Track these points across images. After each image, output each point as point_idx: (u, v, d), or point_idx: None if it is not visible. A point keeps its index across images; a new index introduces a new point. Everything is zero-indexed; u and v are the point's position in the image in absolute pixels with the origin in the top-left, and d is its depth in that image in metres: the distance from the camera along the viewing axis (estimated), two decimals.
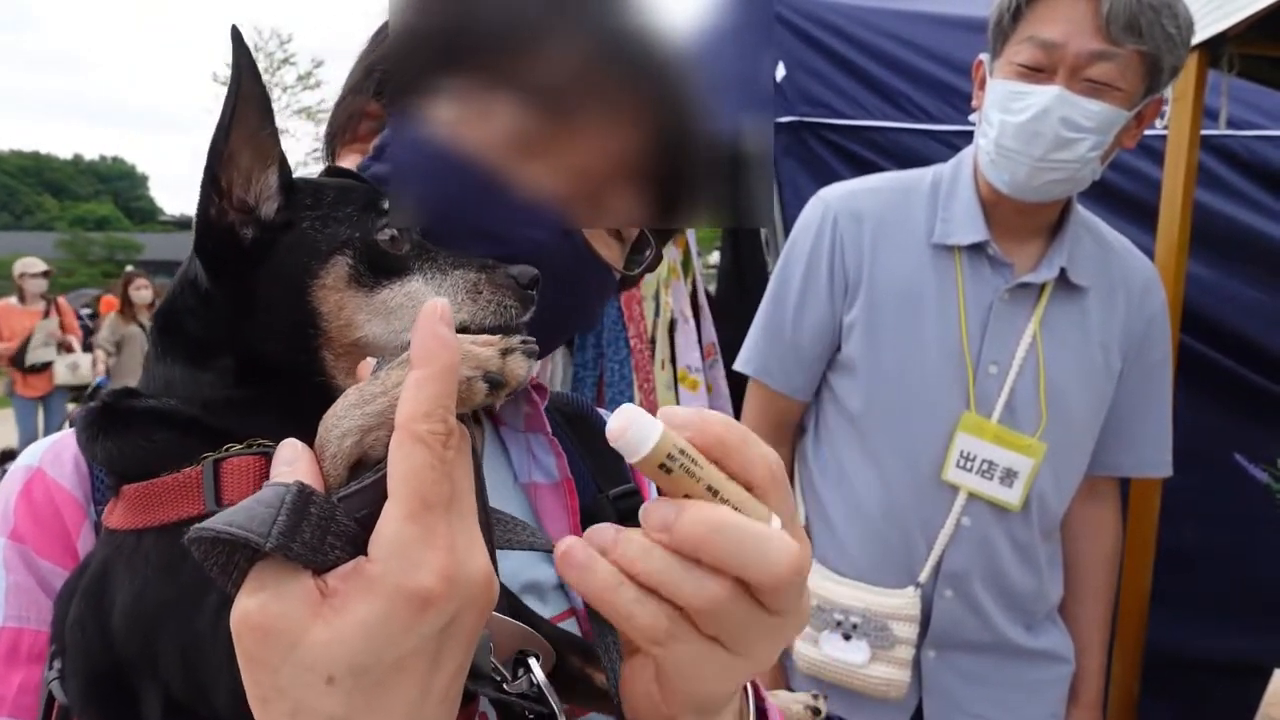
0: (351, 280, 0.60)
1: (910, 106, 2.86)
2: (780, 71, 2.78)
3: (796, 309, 1.85)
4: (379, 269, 0.61)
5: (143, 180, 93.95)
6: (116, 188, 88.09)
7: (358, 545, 0.45)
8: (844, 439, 1.84)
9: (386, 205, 0.64)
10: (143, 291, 8.94)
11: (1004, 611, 1.79)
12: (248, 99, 0.59)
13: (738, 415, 3.09)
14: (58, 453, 0.73)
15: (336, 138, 0.82)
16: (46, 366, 8.81)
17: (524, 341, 0.52)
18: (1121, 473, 1.93)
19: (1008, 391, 1.73)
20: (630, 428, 0.46)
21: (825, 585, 1.80)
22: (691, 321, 2.99)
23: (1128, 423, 1.84)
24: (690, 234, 3.04)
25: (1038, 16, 1.59)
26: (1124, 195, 2.62)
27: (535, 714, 0.62)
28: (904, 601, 1.72)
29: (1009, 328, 1.74)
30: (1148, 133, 1.76)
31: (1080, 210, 1.81)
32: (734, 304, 3.09)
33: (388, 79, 0.77)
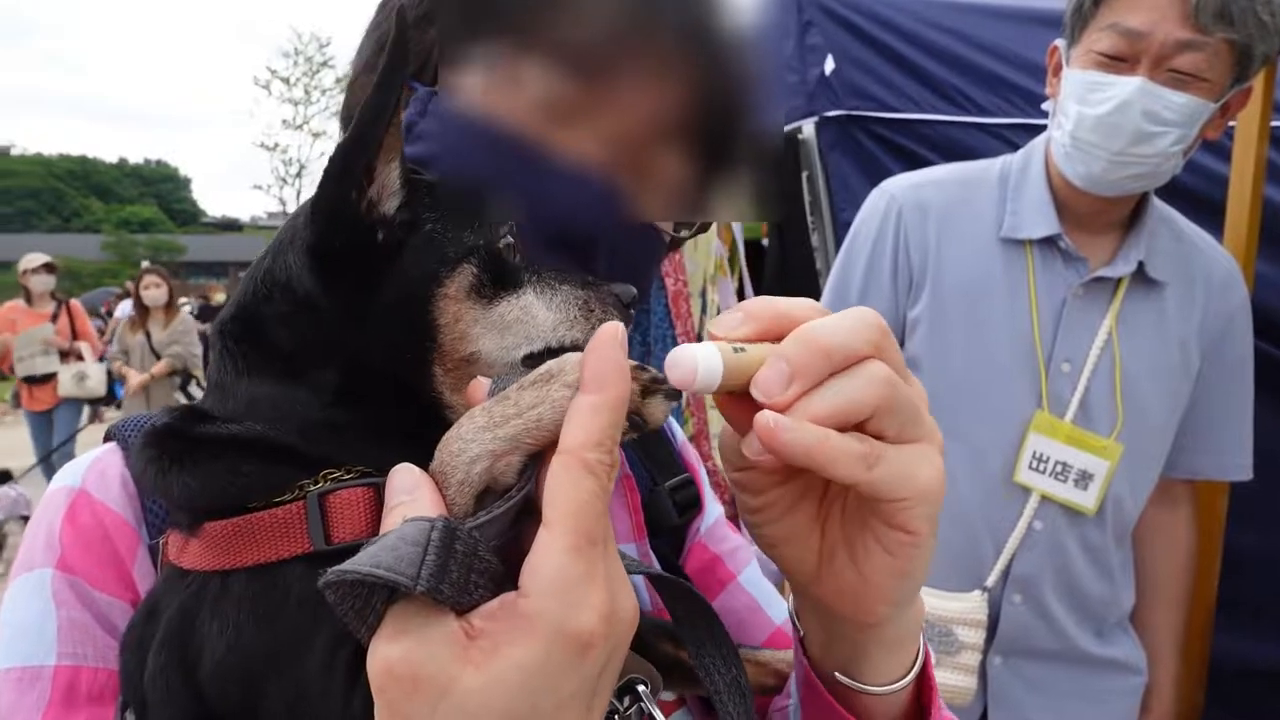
0: (473, 291, 0.55)
1: (961, 99, 2.79)
2: (829, 65, 2.73)
3: (858, 304, 1.79)
4: (498, 280, 0.56)
5: (185, 183, 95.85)
6: (160, 190, 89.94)
7: (498, 581, 0.41)
8: None
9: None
10: (154, 291, 7.49)
11: (1074, 618, 1.72)
12: (394, 85, 0.52)
13: None
14: (101, 471, 0.67)
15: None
16: (50, 378, 7.57)
17: (663, 382, 0.48)
18: (1200, 475, 1.84)
19: (1082, 390, 1.66)
20: (697, 369, 0.45)
21: None
22: None
23: (1206, 423, 1.76)
24: (737, 230, 2.99)
25: (1121, 2, 1.50)
26: (1189, 192, 2.52)
27: None
28: (970, 605, 1.66)
29: (1083, 324, 1.67)
30: (1215, 139, 1.67)
31: (1158, 203, 1.73)
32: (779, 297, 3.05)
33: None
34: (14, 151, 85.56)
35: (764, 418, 0.46)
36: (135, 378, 7.37)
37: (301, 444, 0.52)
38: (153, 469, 0.54)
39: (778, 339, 0.49)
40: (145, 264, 8.17)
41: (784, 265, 3.03)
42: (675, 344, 2.77)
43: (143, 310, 7.61)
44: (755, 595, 0.90)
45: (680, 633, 0.60)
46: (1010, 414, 1.68)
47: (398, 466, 0.45)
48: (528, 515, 0.44)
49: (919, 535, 0.51)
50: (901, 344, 1.78)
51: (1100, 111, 1.54)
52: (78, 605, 0.62)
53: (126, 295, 15.16)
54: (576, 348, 0.53)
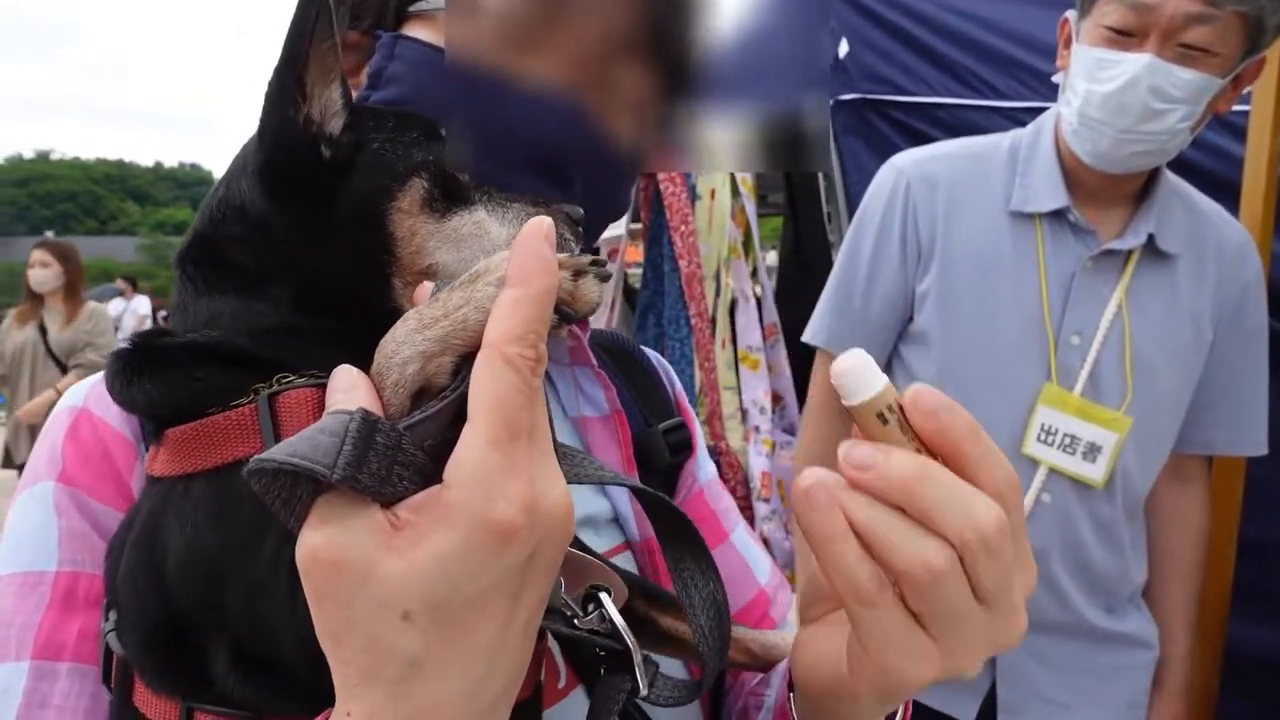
0: (425, 205, 0.57)
1: (976, 82, 2.77)
2: (843, 48, 2.72)
3: (867, 278, 1.80)
4: (450, 196, 0.58)
5: None
6: (195, 194, 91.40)
7: (426, 476, 0.42)
8: None
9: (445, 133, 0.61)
10: (39, 272, 5.55)
11: (1084, 592, 1.71)
12: (323, 6, 0.54)
13: (800, 395, 3.05)
14: (103, 391, 0.69)
15: None
16: None
17: (594, 262, 0.48)
18: (1213, 450, 1.83)
19: (1091, 363, 1.65)
20: (860, 368, 0.46)
21: None
22: (752, 301, 2.95)
23: (1220, 397, 1.74)
24: (751, 213, 3.00)
25: None
26: (1203, 172, 2.49)
27: (606, 650, 0.59)
28: None
29: (1092, 297, 1.67)
30: (1225, 112, 1.65)
31: (1169, 175, 1.72)
32: (795, 285, 3.04)
33: (363, 3, 0.72)
34: (53, 156, 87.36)
35: (811, 482, 0.47)
36: (29, 401, 5.42)
37: (257, 349, 0.54)
38: (118, 381, 0.57)
39: (927, 443, 0.48)
40: (40, 240, 6.04)
41: (799, 249, 3.03)
42: (689, 326, 2.78)
43: (33, 298, 5.63)
44: (745, 556, 0.92)
45: (660, 545, 0.62)
46: (1019, 386, 1.67)
47: (338, 368, 0.46)
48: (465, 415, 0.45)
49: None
50: (910, 318, 1.78)
51: (1108, 89, 1.53)
52: (77, 515, 0.65)
53: (121, 294, 14.75)
54: None
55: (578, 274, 0.48)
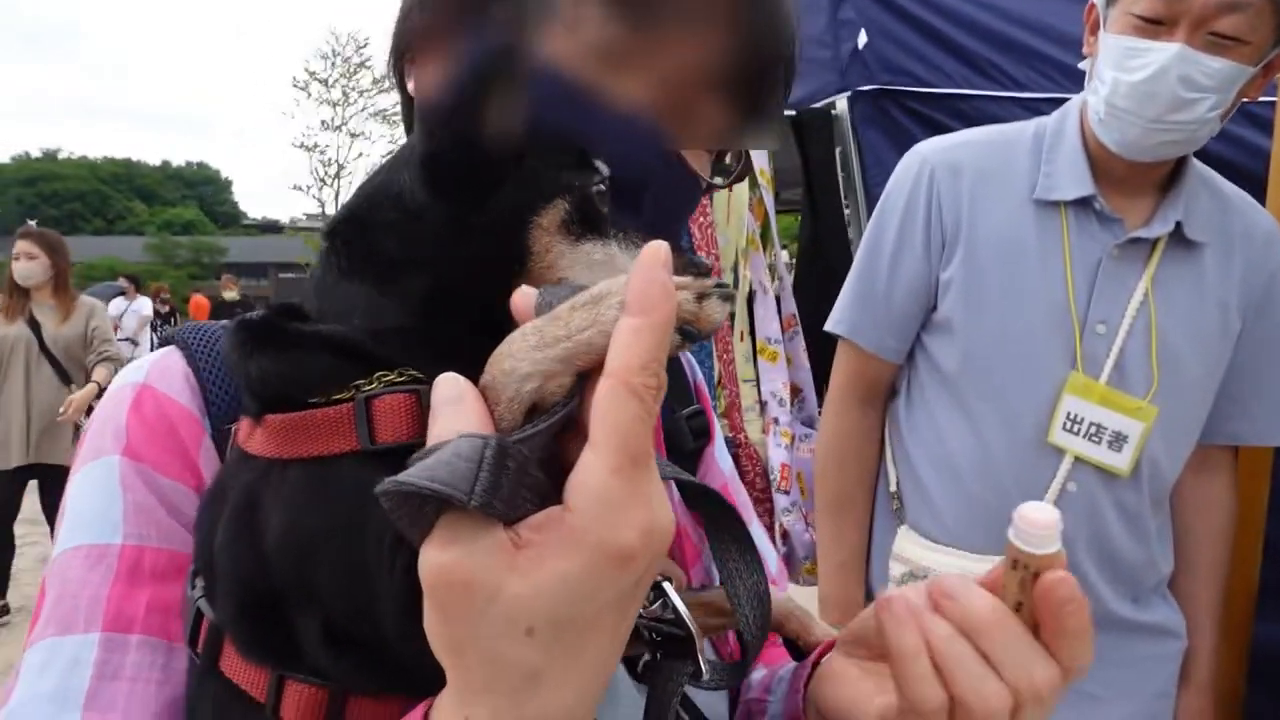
0: (563, 226, 0.59)
1: (996, 74, 2.76)
2: (862, 39, 2.72)
3: (890, 266, 1.79)
4: (587, 223, 0.60)
5: (226, 185, 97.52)
6: (202, 193, 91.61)
7: (543, 496, 0.43)
8: (939, 401, 1.77)
9: (597, 163, 0.62)
10: (25, 265, 5.10)
11: (1110, 583, 1.70)
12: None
13: (820, 386, 3.04)
14: (164, 368, 0.71)
15: (404, 57, 0.77)
16: None
17: (719, 285, 0.49)
18: (1240, 440, 1.81)
19: (1117, 352, 1.64)
20: (1053, 528, 0.51)
21: (918, 552, 1.74)
22: (771, 293, 2.95)
23: (1248, 387, 1.73)
24: (769, 205, 2.99)
25: None
26: (1227, 164, 2.48)
27: (665, 636, 0.60)
28: None
29: (1119, 285, 1.66)
30: (1254, 100, 1.64)
31: (1197, 163, 1.71)
32: (813, 277, 3.04)
33: None
34: (61, 156, 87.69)
35: (893, 597, 0.57)
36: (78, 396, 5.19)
37: (375, 348, 0.55)
38: (238, 352, 0.58)
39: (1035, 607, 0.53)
40: (30, 223, 5.54)
41: (817, 241, 3.02)
42: None
43: (19, 292, 5.17)
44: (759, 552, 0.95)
45: (707, 536, 0.63)
46: (1044, 375, 1.66)
47: (443, 375, 0.47)
48: (569, 428, 0.46)
49: None
50: (934, 307, 1.77)
51: (1136, 79, 1.52)
52: (144, 490, 0.65)
53: (124, 293, 14.91)
54: None
55: (701, 296, 0.48)
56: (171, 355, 0.72)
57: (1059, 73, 2.68)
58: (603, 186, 0.61)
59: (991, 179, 1.73)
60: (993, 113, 2.70)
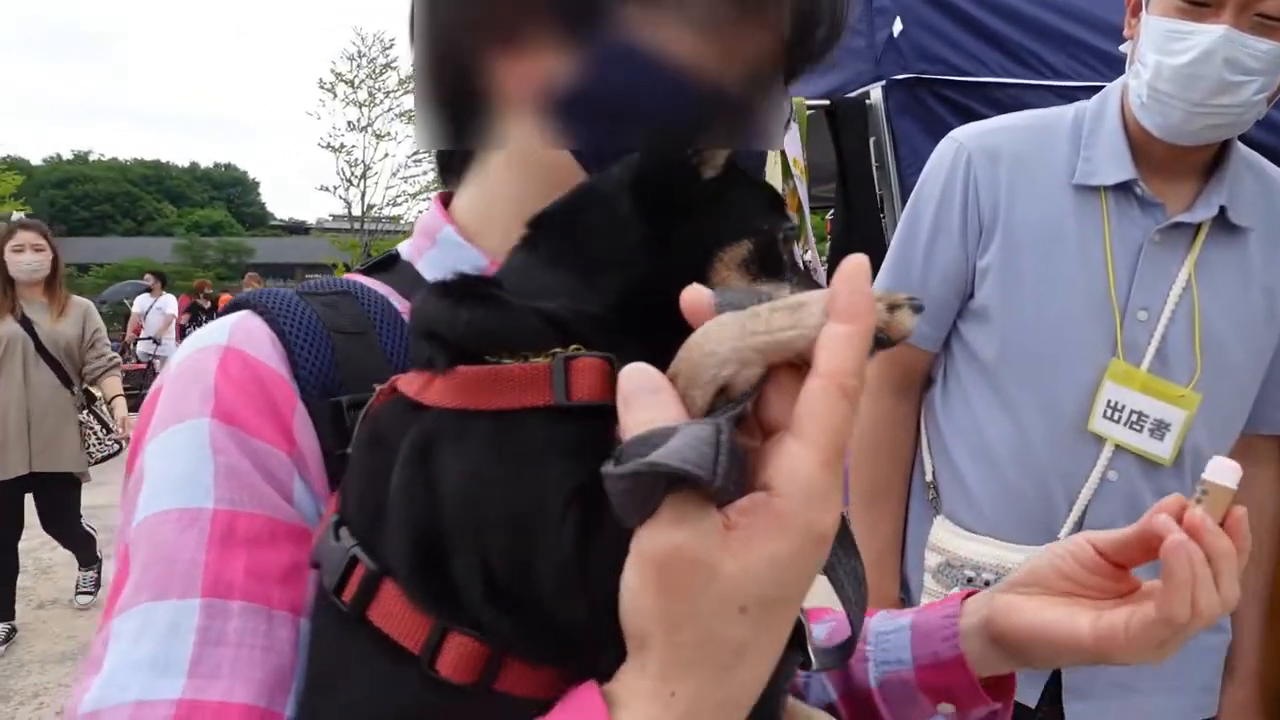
0: (743, 265, 0.61)
1: (1033, 61, 2.74)
2: (896, 27, 2.71)
3: (926, 253, 1.78)
4: (765, 266, 0.62)
5: (254, 186, 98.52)
6: (230, 194, 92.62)
7: (745, 478, 0.46)
8: (976, 389, 1.75)
9: (789, 212, 0.66)
10: (29, 257, 4.78)
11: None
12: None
13: None
14: (248, 330, 0.68)
15: (479, 43, 0.72)
16: None
17: (910, 298, 0.51)
18: None
19: (1158, 339, 1.62)
20: (1238, 472, 0.76)
21: (955, 542, 1.72)
22: None
23: None
24: (804, 196, 2.98)
25: None
26: (1269, 150, 2.44)
27: None
28: None
29: (1160, 271, 1.63)
30: None
31: (1241, 147, 1.68)
32: None
33: None
34: (92, 158, 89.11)
35: (1177, 536, 0.76)
36: (120, 406, 5.29)
37: (574, 323, 0.58)
38: (443, 301, 0.59)
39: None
40: (18, 216, 5.39)
41: (850, 231, 3.01)
42: None
43: (8, 285, 4.78)
44: None
45: None
46: (1084, 362, 1.64)
47: (632, 365, 0.49)
48: (743, 418, 0.49)
49: None
50: (971, 294, 1.76)
51: (1180, 62, 1.50)
52: (237, 453, 0.63)
53: (149, 290, 14.39)
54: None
55: (893, 307, 0.50)
56: (252, 319, 0.69)
57: (1098, 60, 2.66)
58: (790, 233, 0.64)
59: (1030, 164, 1.71)
60: (1029, 101, 2.67)
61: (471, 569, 0.53)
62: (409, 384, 0.60)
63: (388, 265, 0.82)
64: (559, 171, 0.70)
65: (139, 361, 14.21)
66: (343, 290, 0.75)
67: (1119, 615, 0.75)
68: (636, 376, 0.48)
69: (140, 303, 14.78)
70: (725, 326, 0.49)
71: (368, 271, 0.82)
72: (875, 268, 1.90)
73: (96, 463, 5.25)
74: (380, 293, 0.76)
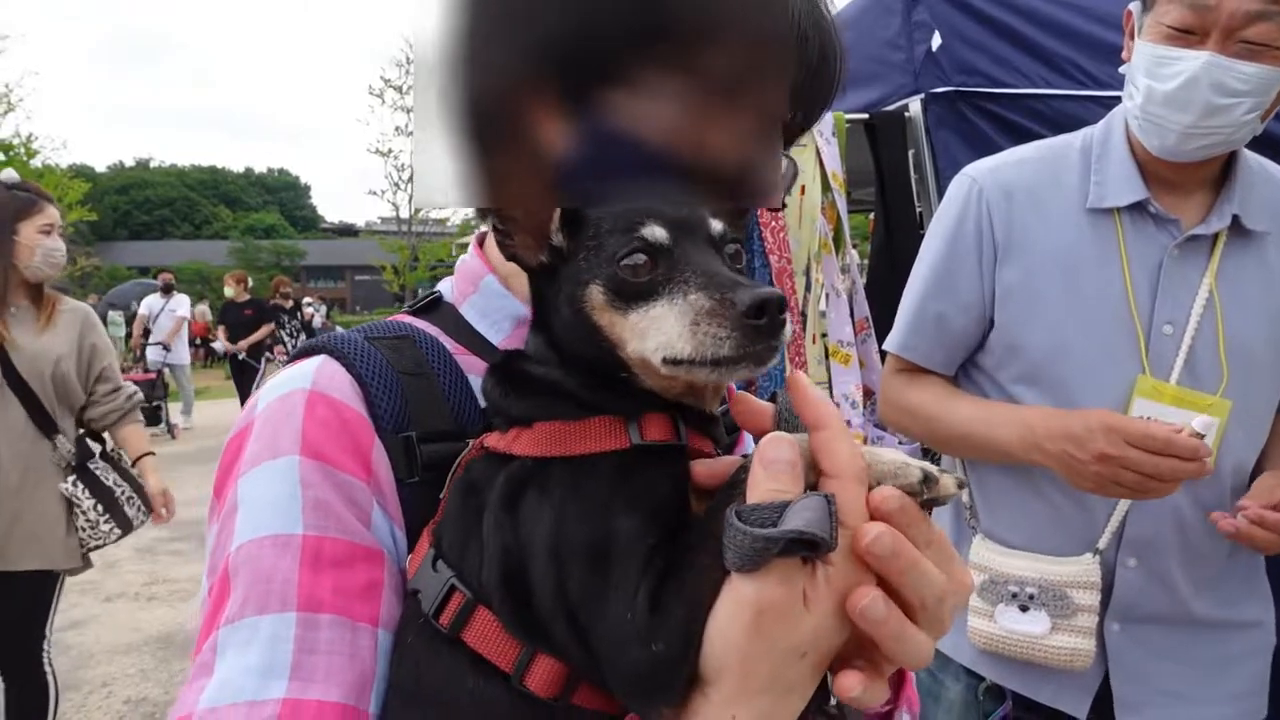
0: (608, 305, 0.67)
1: (1074, 71, 2.74)
2: (935, 41, 2.72)
3: (946, 290, 1.81)
4: (626, 295, 0.66)
5: (305, 190, 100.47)
6: (282, 198, 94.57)
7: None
8: None
9: (644, 231, 0.66)
10: (54, 241, 3.17)
11: (1192, 581, 1.69)
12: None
13: None
14: (330, 375, 0.76)
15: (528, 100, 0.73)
16: None
17: (944, 472, 0.62)
18: None
19: (1185, 351, 1.64)
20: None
21: (995, 559, 1.75)
22: (844, 296, 2.96)
23: None
24: (842, 208, 3.01)
25: None
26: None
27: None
28: (1081, 569, 1.66)
29: (1182, 285, 1.66)
30: None
31: (1248, 154, 1.71)
32: (885, 282, 3.05)
33: (567, 66, 0.71)
34: (153, 164, 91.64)
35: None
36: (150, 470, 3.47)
37: (582, 393, 0.70)
38: (499, 393, 0.73)
39: None
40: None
41: (889, 245, 3.03)
42: None
43: (6, 278, 3.15)
44: None
45: None
46: (1111, 382, 1.67)
47: (777, 435, 0.59)
48: None
49: None
50: (991, 323, 1.78)
51: (1169, 87, 1.55)
52: (324, 486, 0.71)
53: (169, 288, 13.08)
54: (690, 363, 0.63)
55: (927, 480, 0.62)
56: (332, 364, 0.77)
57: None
58: (640, 258, 0.66)
59: (1043, 195, 1.75)
60: (1072, 112, 2.67)
61: (555, 604, 0.62)
62: (498, 440, 0.70)
63: (433, 307, 0.90)
64: None
65: (148, 370, 13.09)
66: (403, 334, 0.84)
67: None
68: (783, 449, 0.58)
69: (149, 304, 13.55)
70: (880, 457, 0.62)
71: (415, 313, 0.90)
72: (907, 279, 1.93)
73: (90, 550, 3.36)
74: (431, 334, 0.85)
